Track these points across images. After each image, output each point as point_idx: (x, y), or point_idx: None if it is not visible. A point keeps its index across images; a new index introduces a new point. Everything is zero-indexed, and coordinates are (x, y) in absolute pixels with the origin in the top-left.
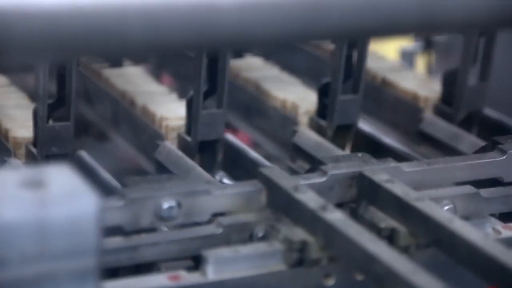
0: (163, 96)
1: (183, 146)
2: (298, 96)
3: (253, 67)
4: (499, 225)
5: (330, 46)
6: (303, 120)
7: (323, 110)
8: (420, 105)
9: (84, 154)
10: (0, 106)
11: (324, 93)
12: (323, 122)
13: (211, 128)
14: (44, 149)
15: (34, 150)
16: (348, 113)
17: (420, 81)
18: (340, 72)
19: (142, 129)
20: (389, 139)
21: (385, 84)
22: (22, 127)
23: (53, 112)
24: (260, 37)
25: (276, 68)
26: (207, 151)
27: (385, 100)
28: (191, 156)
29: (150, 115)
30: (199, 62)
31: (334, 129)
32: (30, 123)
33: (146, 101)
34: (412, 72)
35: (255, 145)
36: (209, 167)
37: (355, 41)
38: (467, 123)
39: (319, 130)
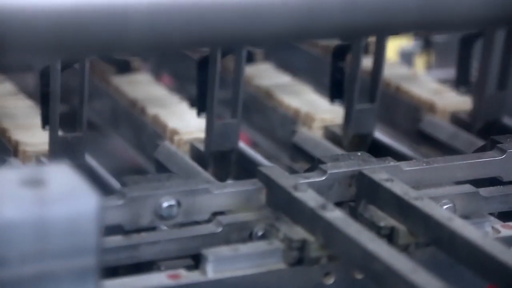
0: (174, 105)
1: (196, 156)
2: (311, 106)
3: (264, 74)
4: (498, 224)
5: (328, 45)
6: (318, 131)
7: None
8: (437, 114)
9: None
10: (8, 115)
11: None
12: (338, 131)
13: (225, 138)
14: (56, 160)
15: (45, 162)
16: (365, 122)
17: (435, 90)
18: (356, 81)
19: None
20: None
21: (399, 92)
22: (33, 140)
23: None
24: (260, 36)
25: (287, 76)
26: (221, 161)
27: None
28: (205, 167)
29: (161, 126)
30: (213, 69)
31: (350, 138)
32: (40, 135)
33: (157, 110)
34: (427, 79)
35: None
36: (223, 178)
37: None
38: (485, 133)
39: (335, 139)
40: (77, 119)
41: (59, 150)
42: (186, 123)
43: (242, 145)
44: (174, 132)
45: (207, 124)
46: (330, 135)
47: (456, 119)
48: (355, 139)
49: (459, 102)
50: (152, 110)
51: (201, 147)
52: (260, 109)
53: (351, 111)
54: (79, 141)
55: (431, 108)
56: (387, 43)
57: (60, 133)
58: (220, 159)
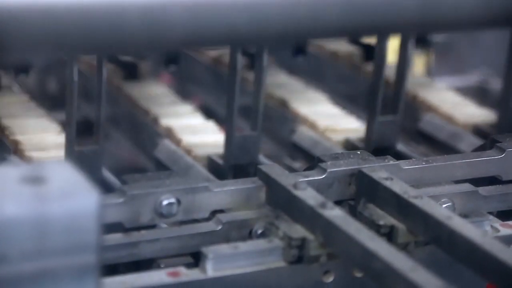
0: (187, 115)
1: (214, 169)
2: (329, 118)
3: (277, 81)
4: (497, 223)
5: (330, 46)
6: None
7: None
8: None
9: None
10: (21, 127)
11: None
12: (360, 144)
13: (245, 151)
14: None
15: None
16: (387, 135)
17: (455, 100)
18: (379, 91)
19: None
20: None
21: (417, 103)
22: (48, 156)
23: None
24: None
25: (301, 83)
26: (240, 175)
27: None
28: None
29: (175, 140)
30: (232, 78)
31: (372, 152)
32: (55, 150)
33: (170, 122)
34: (444, 88)
35: None
36: None
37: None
38: None
39: None
40: (94, 132)
41: (75, 164)
42: (201, 136)
43: (263, 158)
44: (191, 151)
45: (227, 136)
46: (351, 148)
47: (479, 132)
48: (377, 153)
49: (480, 114)
50: (165, 121)
51: (220, 160)
52: (275, 121)
53: (373, 123)
54: (96, 154)
55: (451, 120)
56: (411, 51)
57: (76, 147)
58: (239, 173)
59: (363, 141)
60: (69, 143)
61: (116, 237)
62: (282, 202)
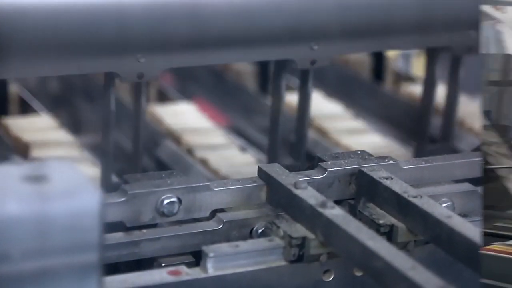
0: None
1: None
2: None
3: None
4: None
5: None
6: None
7: None
8: None
9: None
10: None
11: None
12: None
13: None
14: None
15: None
16: None
17: None
18: (429, 117)
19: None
20: None
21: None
22: None
23: None
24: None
25: (339, 105)
26: None
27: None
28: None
29: (212, 171)
30: (276, 104)
31: None
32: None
33: (205, 152)
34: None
35: None
36: None
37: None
38: None
39: None
40: (133, 164)
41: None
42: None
43: None
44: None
45: None
46: None
47: None
48: None
49: None
50: (200, 153)
51: None
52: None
53: (422, 152)
54: None
55: None
56: (460, 72)
57: (113, 178)
58: None
59: None
60: (105, 175)
61: (117, 236)
62: (283, 201)
